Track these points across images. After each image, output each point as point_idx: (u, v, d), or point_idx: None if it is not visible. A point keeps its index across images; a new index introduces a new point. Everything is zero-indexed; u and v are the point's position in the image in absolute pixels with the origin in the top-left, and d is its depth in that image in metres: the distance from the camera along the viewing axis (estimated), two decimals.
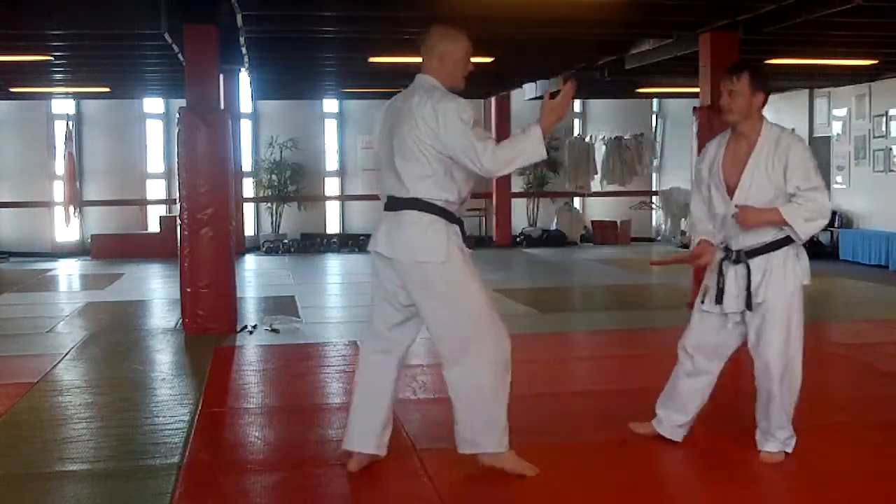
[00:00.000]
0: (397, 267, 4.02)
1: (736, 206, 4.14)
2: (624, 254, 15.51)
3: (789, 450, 4.29)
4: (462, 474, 4.18)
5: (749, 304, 4.18)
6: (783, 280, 4.17)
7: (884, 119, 13.56)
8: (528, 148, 3.88)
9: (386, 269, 4.09)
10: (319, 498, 4.07)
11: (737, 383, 5.00)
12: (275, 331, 8.13)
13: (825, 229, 14.21)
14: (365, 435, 4.21)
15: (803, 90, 15.06)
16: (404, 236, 3.98)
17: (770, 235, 4.16)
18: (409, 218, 3.97)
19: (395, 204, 4.03)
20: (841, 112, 14.51)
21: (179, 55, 9.07)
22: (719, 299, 4.25)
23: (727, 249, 4.27)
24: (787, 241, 4.17)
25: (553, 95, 3.99)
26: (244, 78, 14.12)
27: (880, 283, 11.36)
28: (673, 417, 4.49)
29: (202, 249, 7.98)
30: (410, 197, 3.96)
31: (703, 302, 4.33)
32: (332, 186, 17.63)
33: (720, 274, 4.26)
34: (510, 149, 3.89)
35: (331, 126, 17.59)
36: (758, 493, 4.10)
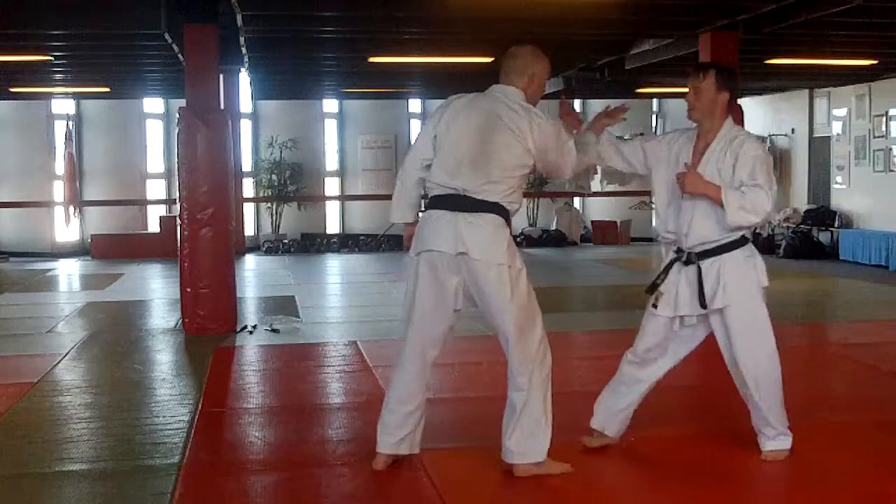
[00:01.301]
0: (472, 266, 3.98)
1: (685, 163, 4.15)
2: (624, 254, 15.52)
3: (786, 447, 4.28)
4: (462, 474, 4.18)
5: (703, 304, 4.15)
6: (741, 283, 4.14)
7: (884, 119, 13.56)
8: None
9: (448, 270, 4.03)
10: (319, 498, 4.07)
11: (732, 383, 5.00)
12: (275, 331, 8.13)
13: (825, 229, 14.37)
14: (399, 441, 4.23)
15: (803, 90, 15.06)
16: (476, 235, 3.97)
17: (721, 236, 4.13)
18: (483, 219, 3.99)
19: (473, 205, 4.00)
20: (841, 112, 14.51)
21: (179, 55, 9.07)
22: (672, 302, 4.22)
23: (678, 251, 4.24)
24: (739, 242, 4.16)
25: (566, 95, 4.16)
26: (244, 78, 14.12)
27: (880, 283, 11.36)
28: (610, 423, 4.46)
29: (202, 249, 7.98)
30: (490, 201, 4.00)
31: (655, 306, 4.29)
32: (332, 186, 17.63)
33: (666, 274, 4.24)
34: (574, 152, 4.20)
35: (331, 126, 17.59)
36: (758, 492, 4.10)
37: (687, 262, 4.20)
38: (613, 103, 4.50)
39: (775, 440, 4.29)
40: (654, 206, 4.40)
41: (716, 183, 4.07)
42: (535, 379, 4.03)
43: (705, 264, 4.16)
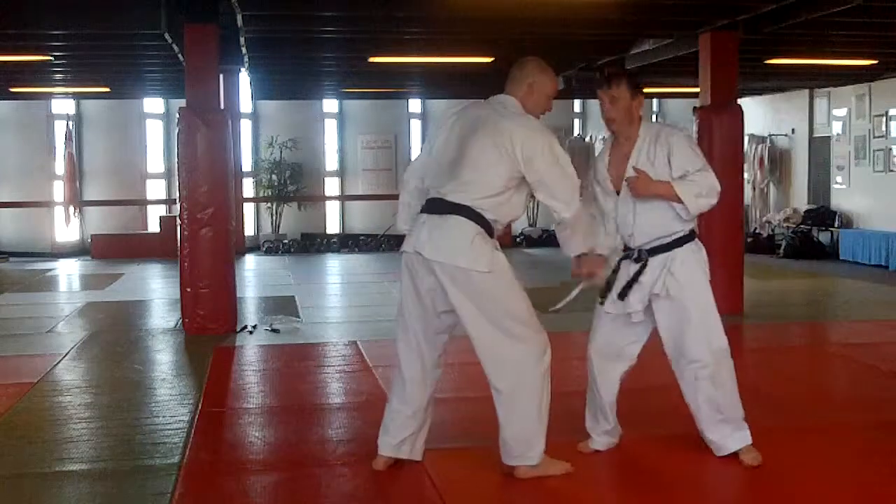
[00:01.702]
0: (439, 270, 3.96)
1: (633, 167, 4.14)
2: None
3: (749, 440, 4.24)
4: (462, 474, 4.18)
5: (649, 299, 4.18)
6: (690, 273, 4.19)
7: (884, 119, 13.55)
8: (582, 246, 4.15)
9: (422, 272, 4.03)
10: (319, 498, 4.07)
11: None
12: (275, 331, 8.13)
13: (825, 229, 14.37)
14: (399, 444, 4.23)
15: (803, 90, 15.05)
16: (447, 239, 3.94)
17: (666, 229, 4.18)
18: (453, 222, 3.94)
19: (444, 207, 3.99)
20: (841, 112, 14.50)
21: (179, 55, 9.07)
22: (622, 297, 4.23)
23: (627, 248, 4.26)
24: (688, 238, 4.22)
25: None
26: (244, 78, 14.12)
27: (880, 283, 11.36)
28: (600, 425, 4.45)
29: (202, 249, 7.98)
30: (465, 205, 3.95)
31: (601, 303, 4.31)
32: (332, 186, 17.63)
33: (616, 272, 4.26)
34: (580, 232, 4.11)
35: (331, 126, 17.59)
36: (759, 492, 4.10)
37: (637, 260, 4.22)
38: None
39: (735, 435, 4.24)
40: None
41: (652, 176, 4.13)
42: (520, 384, 3.98)
43: (654, 260, 4.19)
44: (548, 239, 17.04)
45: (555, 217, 4.06)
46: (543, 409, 4.02)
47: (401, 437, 4.21)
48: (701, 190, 4.10)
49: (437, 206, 4.01)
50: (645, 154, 4.17)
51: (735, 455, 4.26)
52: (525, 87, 4.11)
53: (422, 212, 4.08)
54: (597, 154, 4.47)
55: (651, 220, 4.18)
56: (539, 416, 4.01)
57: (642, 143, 4.20)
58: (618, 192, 4.23)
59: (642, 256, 4.21)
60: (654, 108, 18.52)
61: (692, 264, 4.22)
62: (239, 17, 8.04)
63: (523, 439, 4.01)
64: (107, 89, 14.02)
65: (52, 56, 10.66)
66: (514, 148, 3.92)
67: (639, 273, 4.20)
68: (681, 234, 4.21)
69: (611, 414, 4.42)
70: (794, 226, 14.88)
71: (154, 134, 16.97)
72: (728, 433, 4.26)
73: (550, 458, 4.10)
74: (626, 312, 4.27)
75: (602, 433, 4.46)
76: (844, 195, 14.50)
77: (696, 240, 4.27)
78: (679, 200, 4.09)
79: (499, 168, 3.94)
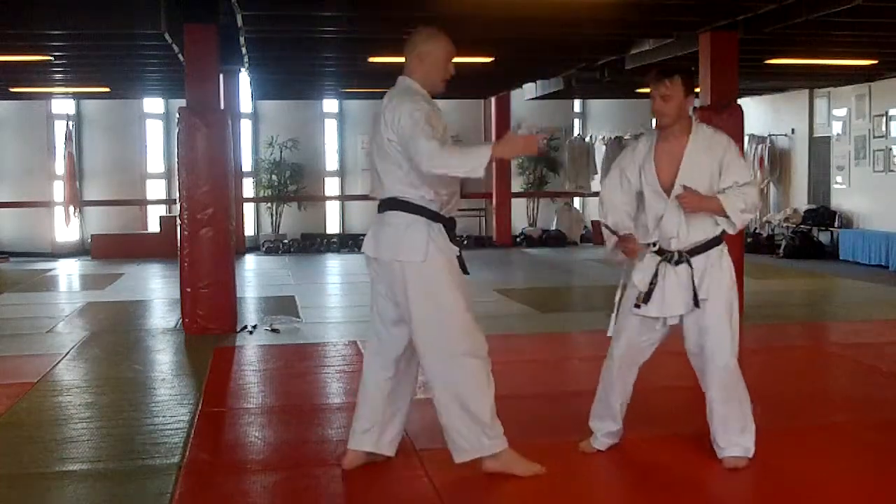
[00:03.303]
0: (382, 266, 4.08)
1: (683, 185, 4.13)
2: None
3: (751, 455, 4.24)
4: (462, 474, 4.18)
5: (697, 302, 4.17)
6: (720, 277, 4.20)
7: (884, 119, 13.56)
8: (468, 164, 3.81)
9: (375, 270, 4.17)
10: (319, 498, 4.07)
11: None
12: (275, 331, 8.13)
13: (825, 229, 14.37)
14: (361, 433, 4.27)
15: (803, 90, 15.05)
16: (385, 236, 4.06)
17: (707, 233, 4.19)
18: (391, 218, 4.05)
19: (380, 205, 4.12)
20: (841, 112, 14.50)
21: (179, 55, 9.07)
22: (661, 302, 4.20)
23: (662, 251, 4.23)
24: (720, 239, 4.23)
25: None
26: (244, 78, 14.12)
27: (880, 283, 11.36)
28: (606, 426, 4.44)
29: (202, 249, 7.99)
30: (390, 197, 4.05)
31: (638, 307, 4.25)
32: (332, 186, 17.63)
33: (656, 276, 4.21)
34: (452, 157, 3.83)
35: (331, 126, 17.59)
36: (759, 492, 4.10)
37: (678, 262, 4.20)
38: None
39: (743, 447, 4.23)
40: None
41: (700, 183, 4.13)
42: (450, 376, 4.00)
43: (696, 261, 4.18)
44: (548, 239, 17.06)
45: (416, 166, 3.89)
46: (483, 399, 4.00)
47: (362, 428, 4.25)
48: (746, 206, 4.14)
49: (378, 208, 4.15)
50: (698, 161, 4.16)
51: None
52: (415, 60, 4.12)
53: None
54: (633, 149, 4.39)
55: (696, 224, 4.18)
56: (478, 407, 3.98)
57: (694, 146, 4.18)
58: (667, 194, 4.19)
59: (683, 258, 4.20)
60: None
61: (727, 267, 4.24)
62: (239, 17, 8.03)
63: (464, 431, 4.01)
64: (107, 89, 14.03)
65: (52, 56, 10.66)
66: (391, 124, 3.94)
67: (691, 277, 4.17)
68: (715, 235, 4.22)
69: (620, 416, 4.41)
70: (794, 226, 14.88)
71: (154, 134, 16.97)
72: (736, 441, 4.25)
73: (518, 456, 4.11)
74: (666, 316, 4.24)
75: (607, 434, 4.45)
76: (844, 195, 14.50)
77: (724, 242, 4.27)
78: (725, 215, 4.12)
79: (389, 148, 3.99)
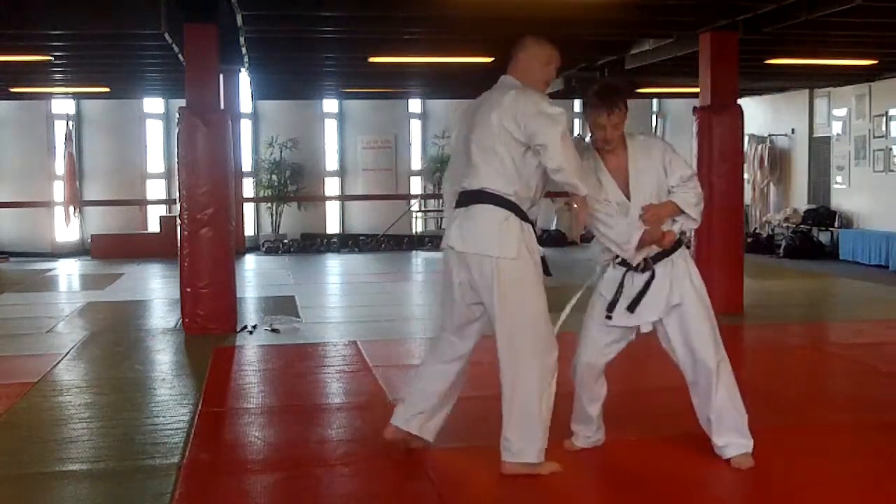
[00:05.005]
0: (469, 260, 4.04)
1: (642, 207, 4.18)
2: None
3: (751, 450, 4.25)
4: (462, 474, 4.18)
5: (664, 309, 4.20)
6: (688, 278, 4.23)
7: (884, 119, 13.56)
8: (584, 188, 3.98)
9: (457, 266, 4.11)
10: (319, 498, 4.07)
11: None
12: (275, 331, 8.13)
13: (825, 229, 14.37)
14: (410, 416, 4.31)
15: (803, 90, 15.05)
16: (477, 230, 4.01)
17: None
18: (483, 212, 4.01)
19: (469, 198, 4.06)
20: (841, 112, 14.50)
21: (179, 55, 9.07)
22: (632, 310, 4.22)
23: (624, 263, 4.25)
24: (679, 243, 4.30)
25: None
26: (244, 78, 14.12)
27: (880, 283, 11.36)
28: (582, 428, 4.47)
29: (202, 249, 7.98)
30: (483, 190, 4.00)
31: (609, 318, 4.27)
32: (332, 186, 17.63)
33: (622, 286, 4.23)
34: (579, 174, 3.96)
35: (331, 126, 17.59)
36: (758, 492, 4.10)
37: (644, 269, 4.23)
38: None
39: (739, 441, 4.24)
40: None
41: (649, 188, 4.20)
42: (520, 379, 4.00)
43: (660, 266, 4.22)
44: (548, 239, 17.05)
45: (546, 159, 3.94)
46: (543, 408, 4.02)
47: (413, 412, 4.28)
48: (696, 199, 4.25)
49: (462, 200, 4.11)
50: (641, 167, 4.21)
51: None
52: (519, 61, 4.19)
53: (455, 207, 4.16)
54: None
55: (656, 229, 4.21)
56: (538, 415, 4.01)
57: (634, 156, 4.23)
58: (629, 199, 4.21)
59: (649, 265, 4.22)
60: (654, 108, 18.52)
61: (691, 269, 4.29)
62: (239, 17, 8.04)
63: (520, 436, 4.02)
64: (107, 89, 14.02)
65: (52, 56, 10.66)
66: (509, 115, 3.95)
67: (649, 283, 4.19)
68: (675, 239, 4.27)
69: (596, 418, 4.44)
70: (794, 226, 14.88)
71: (154, 134, 16.97)
72: (734, 438, 4.25)
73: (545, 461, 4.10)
74: (635, 325, 4.26)
75: (584, 437, 4.49)
76: (844, 195, 14.50)
77: (684, 245, 4.36)
78: (683, 213, 4.21)
79: (498, 140, 3.98)
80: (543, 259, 4.13)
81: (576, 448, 4.47)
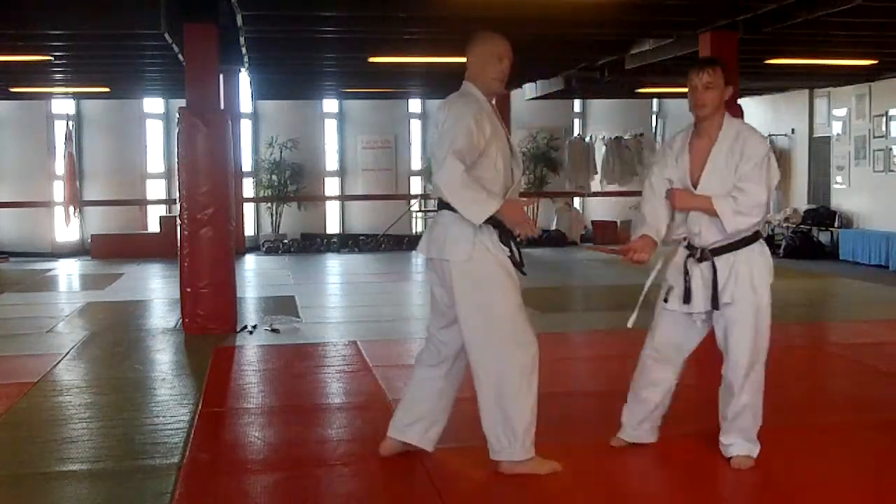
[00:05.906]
0: (435, 266, 4.13)
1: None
2: None
3: (755, 455, 4.24)
4: (462, 474, 4.18)
5: (716, 304, 4.14)
6: (749, 279, 4.13)
7: (884, 119, 13.56)
8: (472, 209, 3.87)
9: (429, 271, 4.23)
10: (319, 498, 4.07)
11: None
12: (275, 331, 8.13)
13: (825, 229, 14.36)
14: (406, 426, 4.32)
15: (803, 90, 15.06)
16: (437, 235, 4.10)
17: (733, 235, 4.12)
18: (442, 217, 4.09)
19: (438, 204, 4.17)
20: (841, 112, 14.51)
21: (179, 55, 9.07)
22: (686, 299, 4.20)
23: (690, 247, 4.22)
24: (752, 238, 4.16)
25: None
26: (244, 78, 14.12)
27: (880, 283, 11.36)
28: (634, 417, 4.45)
29: (202, 249, 7.98)
30: (441, 196, 4.05)
31: (666, 301, 4.27)
32: (332, 186, 17.63)
33: (685, 273, 4.21)
34: (465, 192, 3.87)
35: (331, 126, 17.60)
36: (759, 492, 4.10)
37: (701, 259, 4.18)
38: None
39: (746, 447, 4.24)
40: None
41: (726, 179, 4.07)
42: (498, 378, 4.00)
43: (720, 261, 4.14)
44: (548, 239, 17.05)
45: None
46: (520, 406, 4.00)
47: (409, 420, 4.28)
48: (741, 207, 4.04)
49: (437, 206, 4.22)
50: (724, 156, 4.11)
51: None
52: (470, 64, 4.18)
53: None
54: (671, 145, 4.33)
55: (717, 222, 4.11)
56: (516, 414, 4.00)
57: (722, 142, 4.13)
58: (695, 187, 4.16)
59: (706, 256, 4.17)
60: (654, 108, 18.52)
61: (756, 267, 4.15)
62: (239, 17, 8.04)
63: (500, 434, 4.02)
64: (107, 89, 14.03)
65: (52, 56, 10.66)
66: (439, 123, 4.07)
67: (713, 277, 4.14)
68: (744, 235, 4.14)
69: (647, 411, 4.40)
70: (794, 226, 14.88)
71: (154, 134, 16.98)
72: (741, 440, 4.24)
73: (540, 458, 4.10)
74: (691, 312, 4.23)
75: (636, 425, 4.45)
76: (844, 195, 14.51)
77: (761, 241, 4.21)
78: (717, 215, 4.07)
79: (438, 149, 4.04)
80: (512, 257, 4.06)
81: (622, 444, 4.44)
